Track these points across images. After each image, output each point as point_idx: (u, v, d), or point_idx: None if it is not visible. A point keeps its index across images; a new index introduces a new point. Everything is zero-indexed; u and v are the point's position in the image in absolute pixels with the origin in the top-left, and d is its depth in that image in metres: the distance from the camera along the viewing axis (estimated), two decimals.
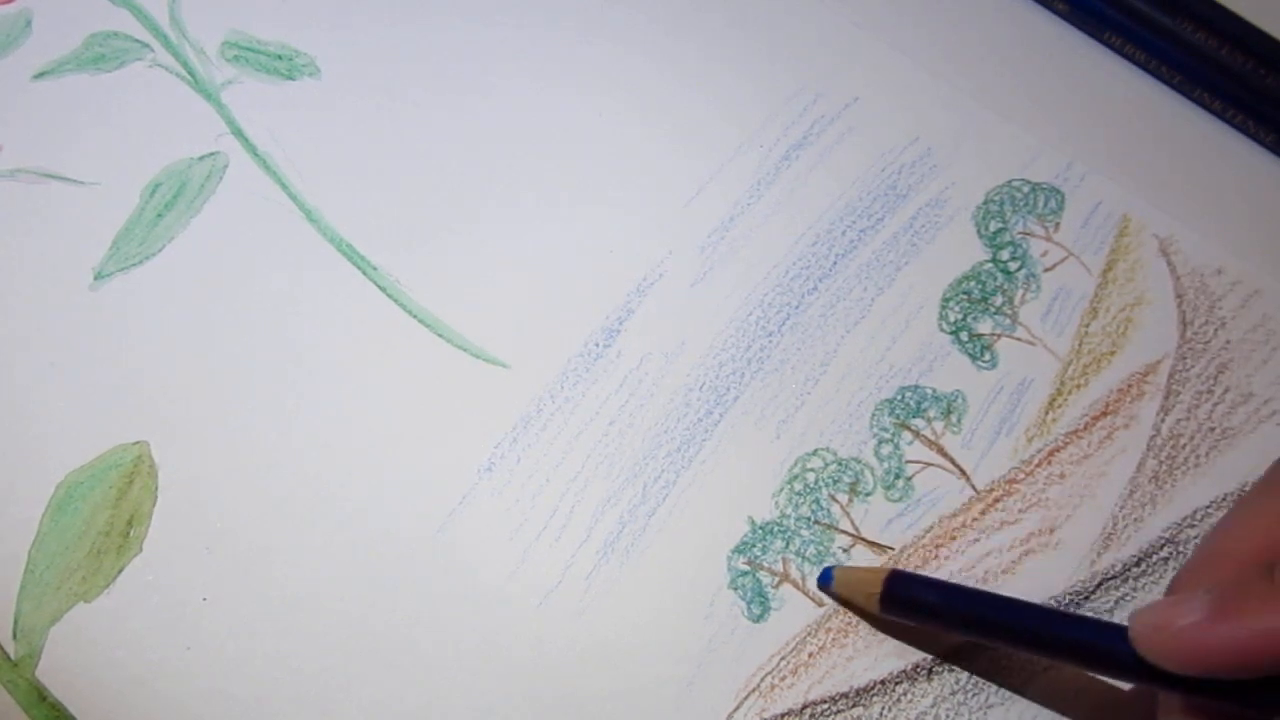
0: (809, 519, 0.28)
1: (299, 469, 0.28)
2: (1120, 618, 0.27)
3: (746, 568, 0.27)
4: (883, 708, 0.26)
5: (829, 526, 0.28)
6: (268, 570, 0.27)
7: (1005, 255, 0.32)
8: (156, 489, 0.28)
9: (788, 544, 0.28)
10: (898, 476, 0.29)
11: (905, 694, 0.26)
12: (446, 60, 0.34)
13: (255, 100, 0.33)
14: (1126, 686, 0.26)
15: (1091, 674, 0.26)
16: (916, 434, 0.29)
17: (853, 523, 0.28)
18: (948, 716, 0.26)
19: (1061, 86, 0.35)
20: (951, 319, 0.31)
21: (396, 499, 0.28)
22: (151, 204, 0.31)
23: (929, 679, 0.27)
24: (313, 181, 0.32)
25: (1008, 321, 0.31)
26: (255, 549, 0.27)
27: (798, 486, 0.28)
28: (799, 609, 0.27)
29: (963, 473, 0.29)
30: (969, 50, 0.36)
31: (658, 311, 0.31)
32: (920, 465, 0.29)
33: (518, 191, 0.32)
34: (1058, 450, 0.29)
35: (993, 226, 0.33)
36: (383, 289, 0.31)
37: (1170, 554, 0.28)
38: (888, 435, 0.29)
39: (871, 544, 0.28)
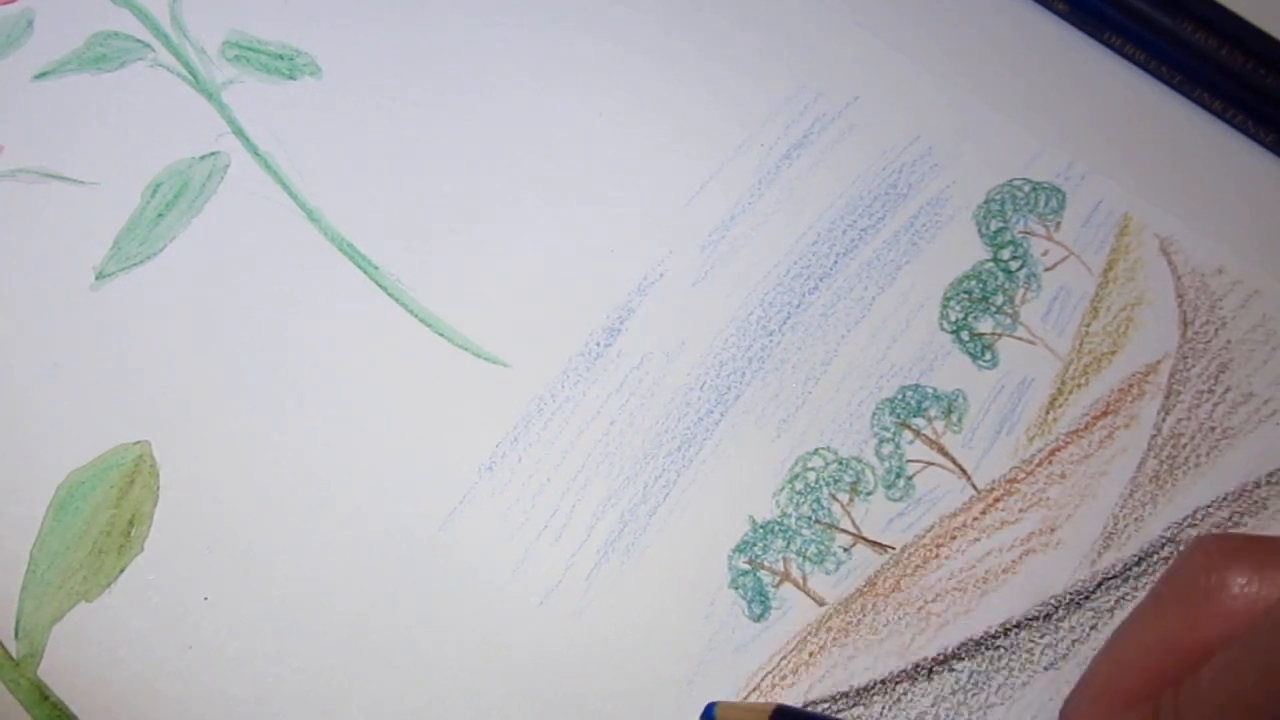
0: (810, 518, 0.28)
1: (300, 468, 0.28)
2: (1121, 617, 0.27)
3: (747, 567, 0.27)
4: (883, 707, 0.26)
5: (830, 526, 0.28)
6: (269, 570, 0.27)
7: (1006, 254, 0.32)
8: (158, 489, 0.28)
9: (788, 543, 0.28)
10: (898, 476, 0.29)
11: (905, 693, 0.26)
12: (447, 60, 0.34)
13: (256, 100, 0.33)
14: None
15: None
16: (917, 433, 0.29)
17: (853, 522, 0.28)
18: (948, 716, 0.26)
19: (1061, 86, 0.35)
20: (952, 318, 0.31)
21: (397, 498, 0.28)
22: (153, 204, 0.31)
23: (929, 678, 0.27)
24: (314, 181, 0.32)
25: (1008, 321, 0.31)
26: (256, 548, 0.27)
27: (798, 486, 0.28)
28: (800, 608, 0.27)
29: (963, 472, 0.29)
30: (970, 50, 0.36)
31: (658, 311, 0.31)
32: (921, 464, 0.29)
33: (519, 191, 0.32)
34: (1058, 450, 0.29)
35: (994, 226, 0.33)
36: (384, 288, 0.31)
37: (1171, 553, 0.28)
38: (888, 434, 0.29)
39: (872, 543, 0.28)
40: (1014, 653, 0.27)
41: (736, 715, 0.25)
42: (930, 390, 0.30)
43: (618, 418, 0.29)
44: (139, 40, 0.33)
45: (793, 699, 0.26)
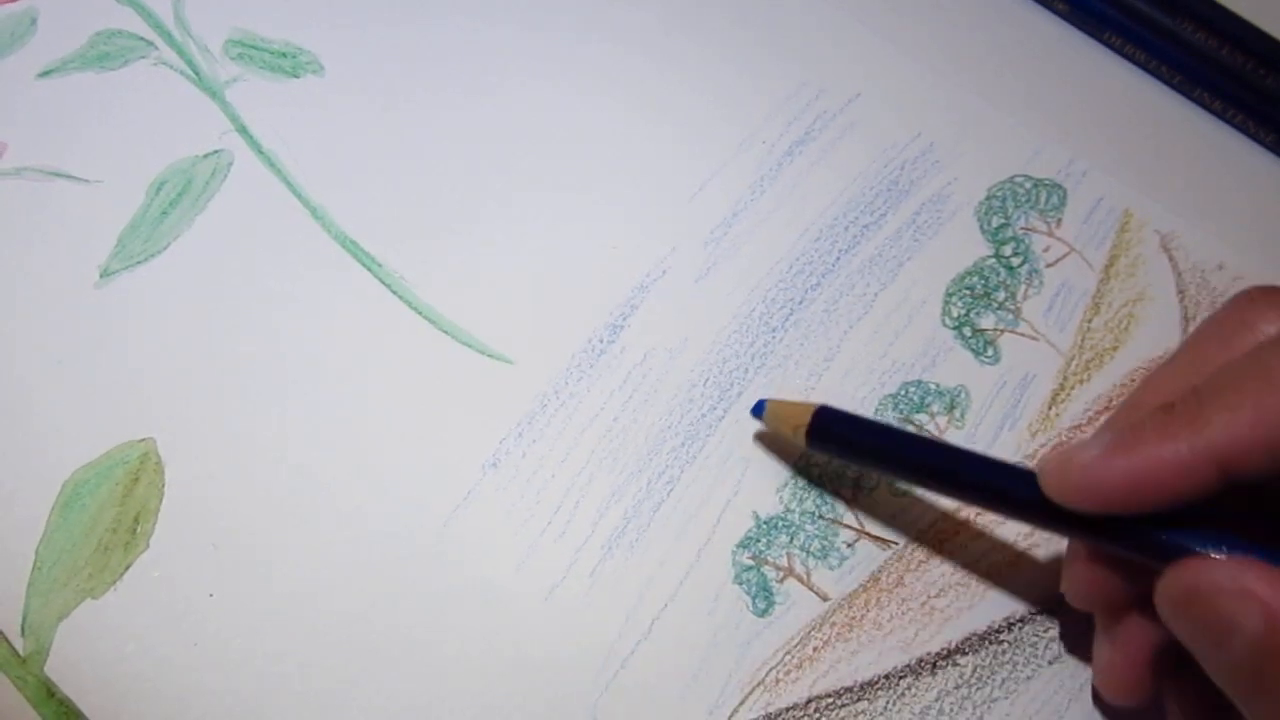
0: (813, 514, 0.28)
1: (304, 466, 0.28)
2: None
3: (751, 562, 0.28)
4: (887, 702, 0.26)
5: (833, 521, 0.28)
6: (273, 567, 0.27)
7: (1008, 251, 0.32)
8: (163, 486, 0.28)
9: (792, 539, 0.28)
10: None
11: (909, 688, 0.26)
12: (449, 58, 0.34)
13: (259, 98, 0.33)
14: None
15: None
16: (920, 429, 0.30)
17: (856, 517, 0.28)
18: (951, 710, 0.26)
19: (1062, 85, 0.36)
20: (954, 314, 0.31)
21: (401, 495, 0.28)
22: (156, 201, 0.31)
23: (933, 673, 0.27)
24: (317, 179, 0.32)
25: (1010, 317, 0.31)
26: (261, 545, 0.27)
27: (802, 481, 0.29)
28: (804, 604, 0.27)
29: None
30: (971, 48, 0.36)
31: (661, 307, 0.31)
32: None
33: (521, 188, 0.32)
34: (1060, 445, 0.29)
35: (995, 222, 0.33)
36: (388, 286, 0.31)
37: None
38: None
39: (876, 539, 0.28)
40: (1018, 647, 0.27)
41: (784, 410, 0.27)
42: (933, 386, 0.30)
43: (621, 414, 0.29)
44: (142, 39, 0.33)
45: (797, 694, 0.26)
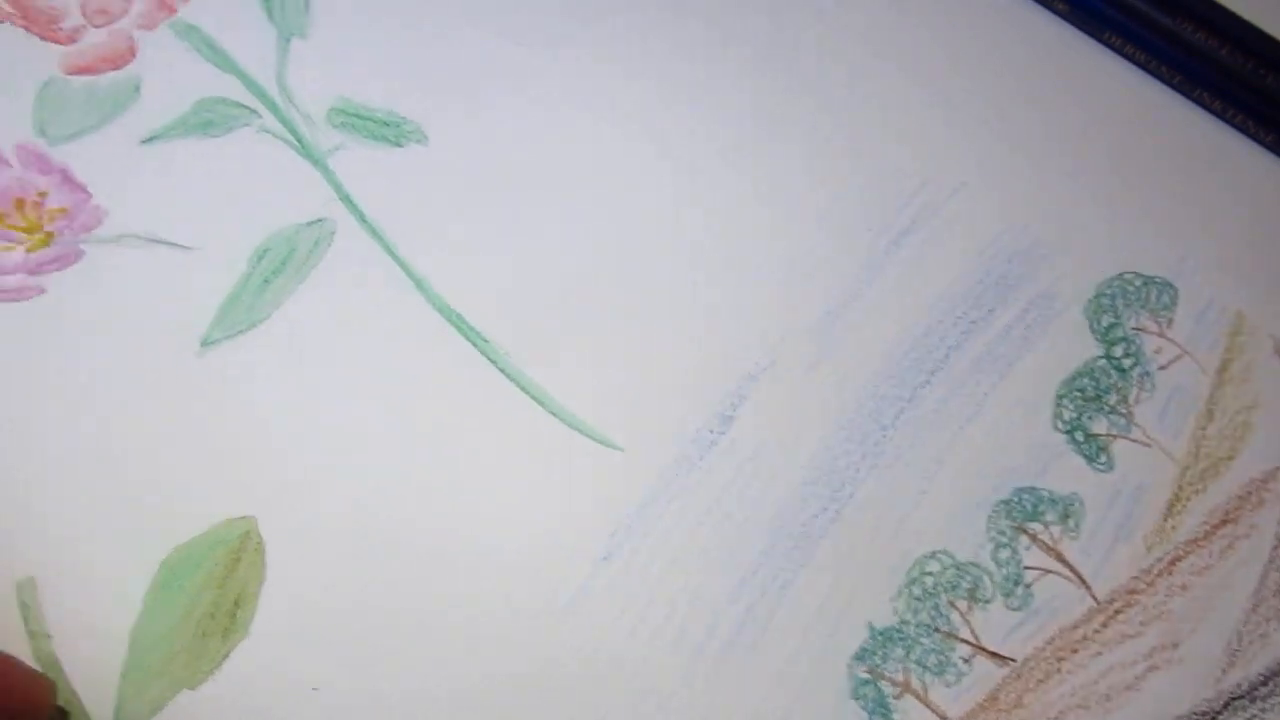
0: (929, 626, 0.28)
1: (413, 551, 0.28)
2: None
3: (868, 676, 0.27)
4: None
5: (949, 635, 0.28)
6: (380, 658, 0.27)
7: (1119, 351, 0.32)
8: (264, 567, 0.28)
9: (908, 652, 0.27)
10: (1017, 583, 0.28)
11: None
12: (557, 132, 0.34)
13: (363, 167, 0.33)
14: None
15: None
16: (1034, 538, 0.29)
17: (972, 631, 0.28)
18: None
19: (1173, 178, 0.35)
20: (1066, 417, 0.31)
21: (511, 586, 0.27)
22: (259, 270, 0.31)
23: None
24: (421, 250, 0.32)
25: (1123, 421, 0.31)
26: (367, 634, 0.27)
27: (916, 591, 0.28)
28: None
29: (1082, 581, 0.28)
30: (1080, 141, 0.35)
31: (771, 399, 0.30)
32: (1039, 572, 0.28)
33: (630, 269, 0.32)
34: (1178, 559, 0.29)
35: (1105, 321, 0.32)
36: (493, 362, 0.30)
37: None
38: (1005, 539, 0.29)
39: (992, 655, 0.27)
40: None
41: None
42: (1046, 493, 0.30)
43: (734, 511, 0.29)
44: (246, 106, 0.33)
45: None
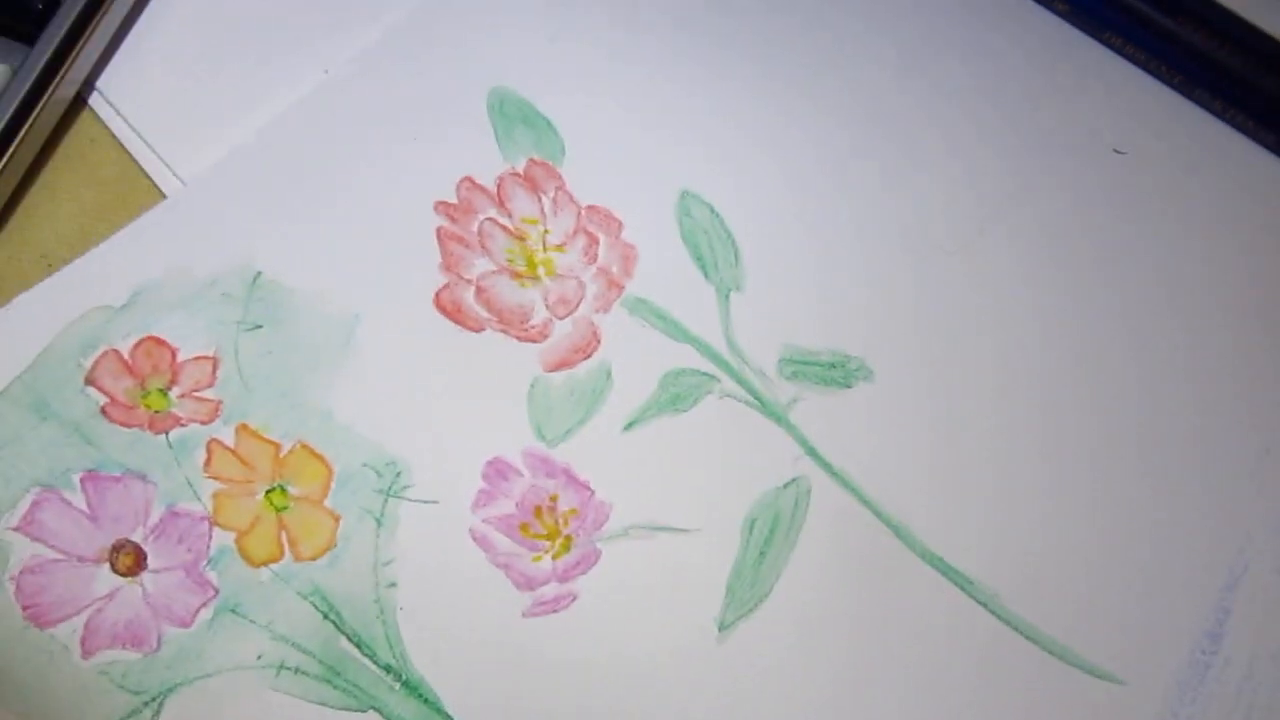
0: None
1: None
2: None
3: None
4: None
5: None
6: None
7: None
8: None
9: None
10: None
11: None
12: (994, 350, 0.35)
13: (820, 415, 0.34)
14: None
15: None
16: None
17: None
18: None
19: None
20: None
21: None
22: (752, 542, 0.34)
23: None
24: (892, 493, 0.34)
25: None
26: None
27: None
28: None
29: None
30: None
31: (1254, 607, 0.32)
32: None
33: (1097, 484, 0.33)
34: None
35: None
36: (983, 604, 0.33)
37: None
38: None
39: None
40: None
41: None
42: None
43: None
44: (705, 373, 0.35)
45: None
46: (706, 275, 0.35)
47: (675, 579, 0.33)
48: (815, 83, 0.38)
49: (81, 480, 0.31)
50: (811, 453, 0.34)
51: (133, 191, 0.35)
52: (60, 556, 0.30)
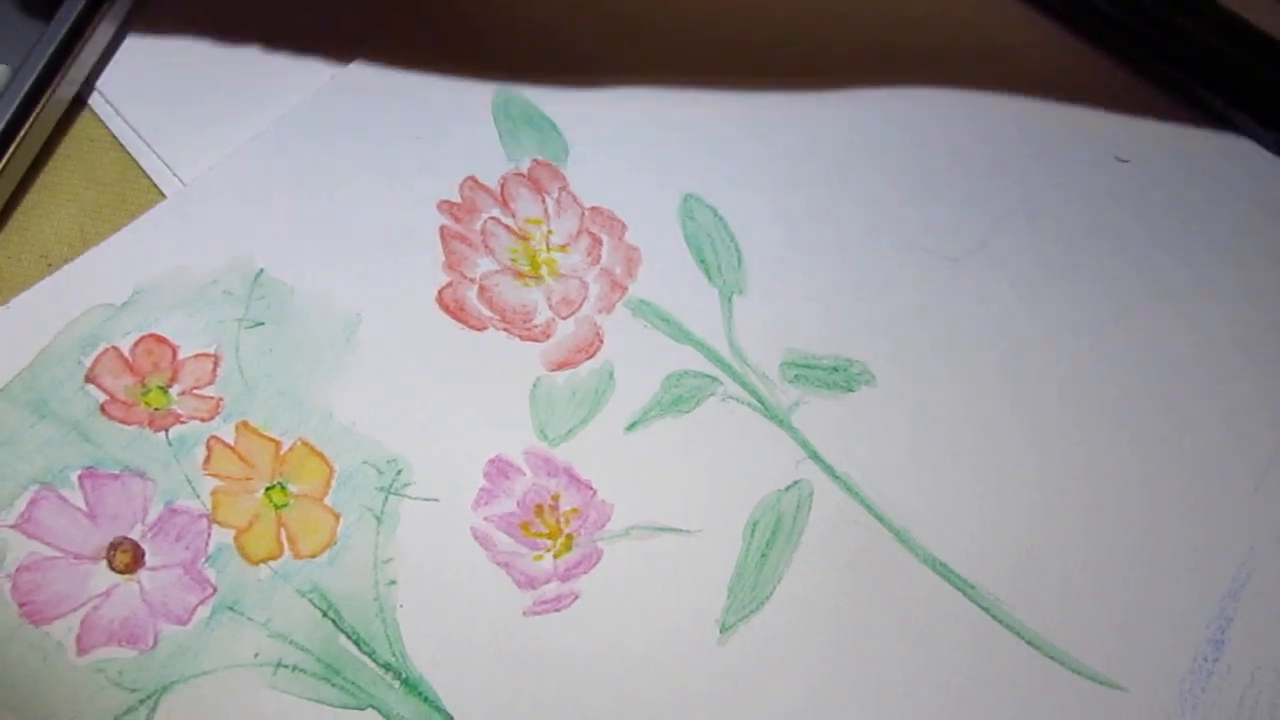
0: None
1: None
2: None
3: None
4: None
5: None
6: None
7: None
8: None
9: None
10: None
11: None
12: (996, 355, 0.35)
13: (823, 419, 0.34)
14: None
15: None
16: None
17: None
18: None
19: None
20: None
21: None
22: (754, 544, 0.33)
23: None
24: (894, 499, 0.34)
25: None
26: None
27: None
28: None
29: None
30: None
31: (1257, 617, 0.32)
32: None
33: (1104, 493, 0.33)
34: None
35: None
36: (985, 609, 0.32)
37: None
38: None
39: None
40: None
41: None
42: None
43: None
44: (707, 375, 0.35)
45: None
46: (709, 278, 0.35)
47: (677, 580, 0.33)
48: (819, 88, 0.38)
49: (80, 478, 0.30)
50: (813, 456, 0.34)
51: (133, 191, 0.35)
52: (57, 554, 0.30)
